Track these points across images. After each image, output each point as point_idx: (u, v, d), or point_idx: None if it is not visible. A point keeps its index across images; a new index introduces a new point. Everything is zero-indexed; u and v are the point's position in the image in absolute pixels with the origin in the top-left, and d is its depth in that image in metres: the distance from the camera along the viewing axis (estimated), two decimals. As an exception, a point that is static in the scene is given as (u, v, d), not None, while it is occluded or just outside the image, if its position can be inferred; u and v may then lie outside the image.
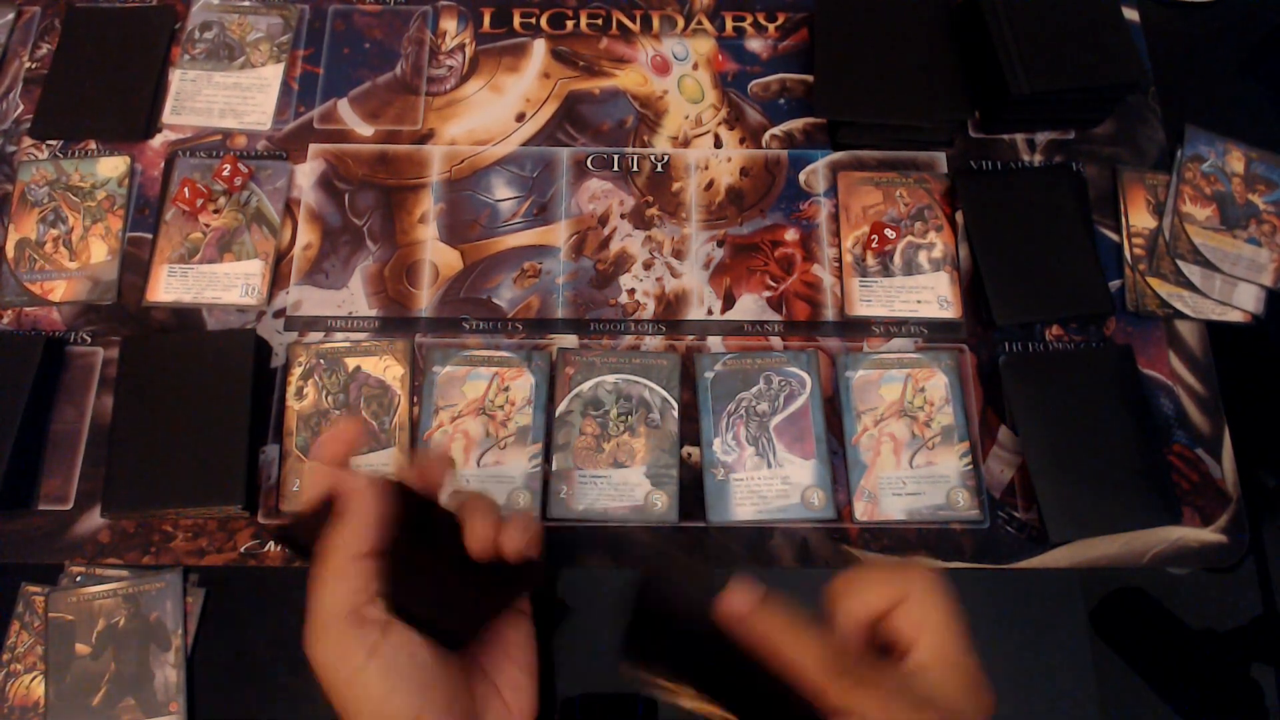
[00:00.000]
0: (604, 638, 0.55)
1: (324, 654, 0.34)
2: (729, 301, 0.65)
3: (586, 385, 0.62)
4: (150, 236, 0.67)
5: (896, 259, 0.66)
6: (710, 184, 0.69)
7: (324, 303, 0.65)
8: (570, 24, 0.75)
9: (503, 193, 0.69)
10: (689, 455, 0.61)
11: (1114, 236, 0.68)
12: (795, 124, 0.72)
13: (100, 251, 0.66)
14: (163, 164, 0.69)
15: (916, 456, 0.60)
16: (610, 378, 0.62)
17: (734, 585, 0.33)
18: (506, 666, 0.39)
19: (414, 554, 0.38)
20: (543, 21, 0.75)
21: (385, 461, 0.60)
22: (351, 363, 0.63)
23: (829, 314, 0.65)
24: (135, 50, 0.72)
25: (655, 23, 0.75)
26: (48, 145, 0.70)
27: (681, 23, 0.75)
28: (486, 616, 0.39)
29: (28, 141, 0.70)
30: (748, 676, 0.31)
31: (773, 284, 0.66)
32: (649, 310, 0.65)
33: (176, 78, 0.72)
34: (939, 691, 0.30)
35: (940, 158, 0.70)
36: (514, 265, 0.67)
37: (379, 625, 0.34)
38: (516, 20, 0.75)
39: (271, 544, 0.58)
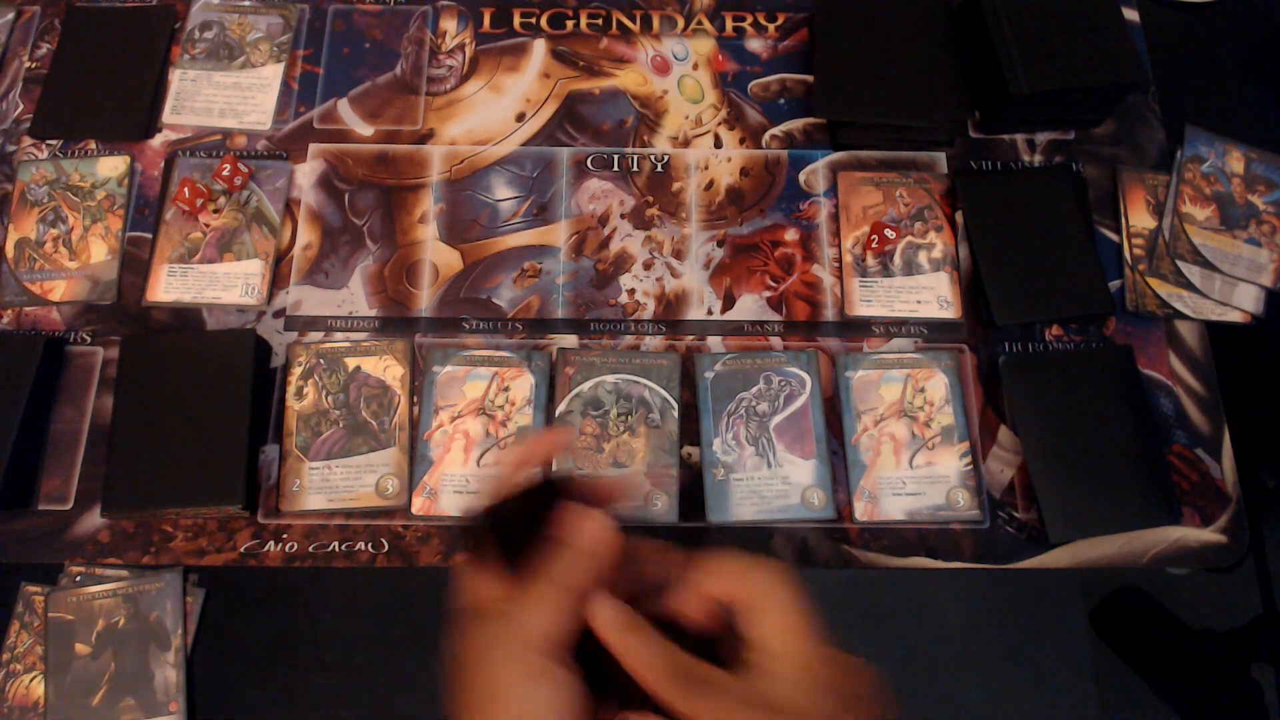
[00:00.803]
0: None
1: (504, 674, 0.31)
2: (729, 301, 0.65)
3: (586, 385, 0.62)
4: (150, 236, 0.67)
5: (896, 259, 0.66)
6: (710, 184, 0.69)
7: (324, 303, 0.65)
8: (570, 24, 0.75)
9: (503, 193, 0.69)
10: (689, 455, 0.61)
11: (1114, 236, 0.68)
12: (795, 124, 0.72)
13: (100, 251, 0.66)
14: (163, 164, 0.69)
15: (916, 456, 0.60)
16: (610, 378, 0.62)
17: (596, 604, 0.33)
18: None
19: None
20: (543, 21, 0.75)
21: (385, 461, 0.60)
22: (351, 363, 0.63)
23: (829, 314, 0.65)
24: (135, 50, 0.72)
25: (655, 23, 0.75)
26: (48, 145, 0.70)
27: (681, 23, 0.75)
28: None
29: (28, 141, 0.70)
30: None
31: (773, 284, 0.66)
32: (649, 310, 0.65)
33: (176, 78, 0.72)
34: (791, 701, 0.29)
35: (940, 158, 0.70)
36: (514, 265, 0.67)
37: (566, 666, 0.31)
38: (516, 20, 0.75)
39: (271, 544, 0.58)
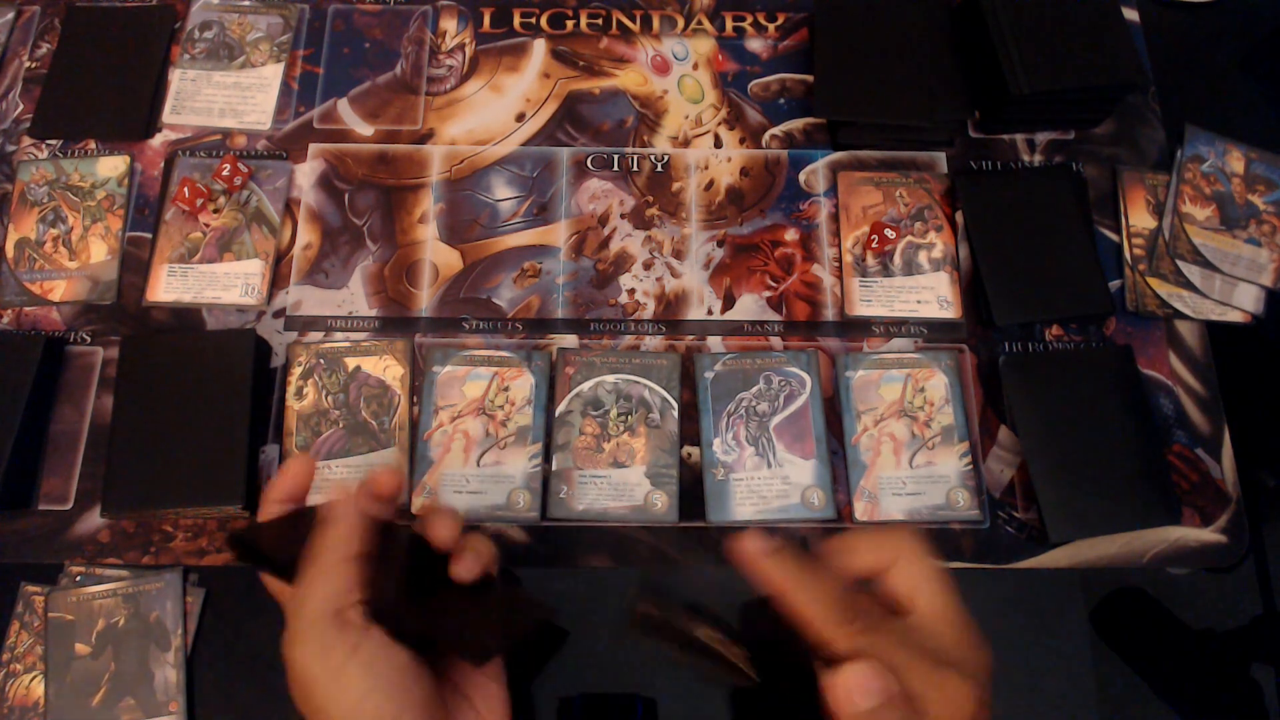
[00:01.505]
0: (604, 638, 0.55)
1: (304, 653, 0.34)
2: (729, 301, 0.65)
3: (586, 385, 0.62)
4: (150, 236, 0.67)
5: (896, 259, 0.66)
6: (710, 184, 0.69)
7: (324, 303, 0.65)
8: (570, 24, 0.75)
9: (503, 193, 0.69)
10: (689, 455, 0.61)
11: (1114, 236, 0.68)
12: (795, 124, 0.72)
13: (100, 251, 0.66)
14: (163, 164, 0.69)
15: (916, 456, 0.60)
16: (610, 378, 0.62)
17: (748, 533, 0.34)
18: (477, 677, 0.39)
19: (379, 568, 0.38)
20: (543, 21, 0.75)
21: (385, 461, 0.60)
22: (351, 363, 0.63)
23: (829, 314, 0.65)
24: (135, 50, 0.72)
25: (655, 23, 0.75)
26: (47, 145, 0.70)
27: (681, 23, 0.75)
28: (450, 630, 0.39)
29: (28, 141, 0.70)
30: (759, 623, 0.32)
31: (773, 284, 0.66)
32: (649, 310, 0.65)
33: (176, 77, 0.72)
34: (938, 645, 0.31)
35: (940, 158, 0.70)
36: (514, 265, 0.67)
37: (360, 627, 0.35)
38: (516, 20, 0.75)
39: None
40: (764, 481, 0.59)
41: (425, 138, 0.70)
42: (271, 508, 0.42)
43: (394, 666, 0.34)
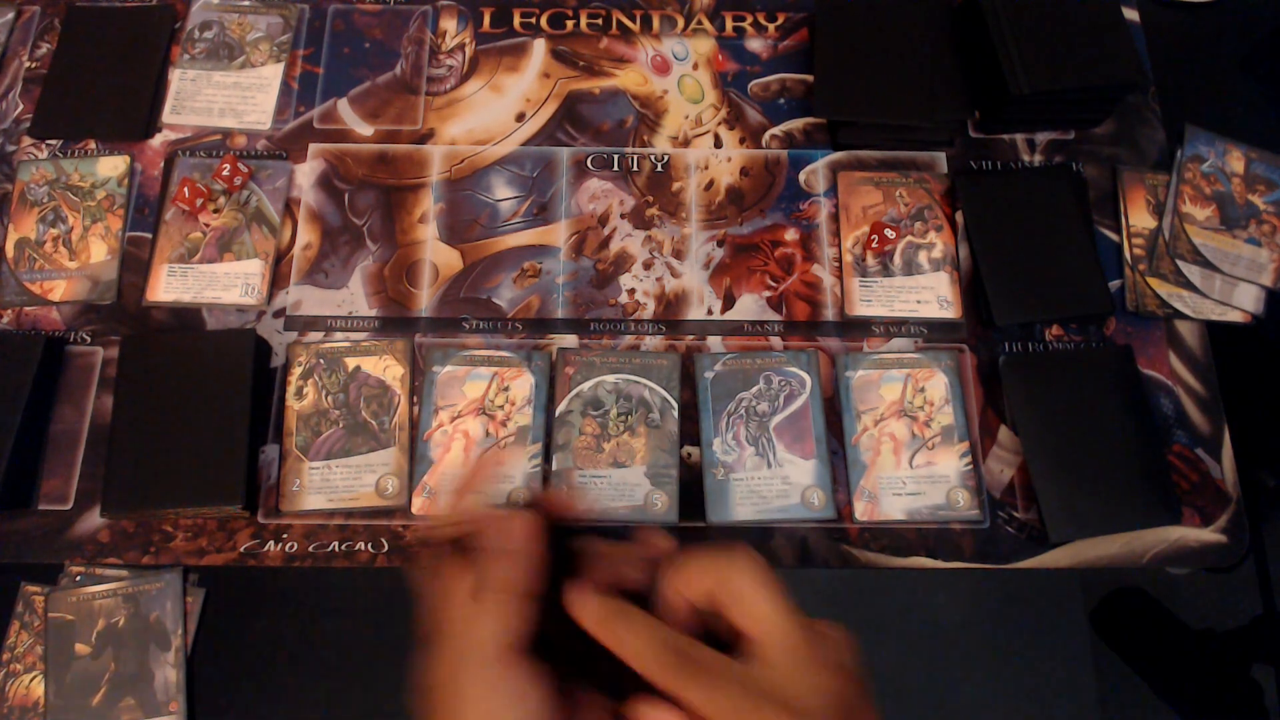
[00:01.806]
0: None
1: (467, 689, 0.32)
2: (729, 301, 0.66)
3: (586, 385, 0.62)
4: (150, 236, 0.67)
5: (896, 259, 0.66)
6: (710, 184, 0.69)
7: (324, 303, 0.65)
8: (570, 24, 0.75)
9: (503, 193, 0.69)
10: (689, 455, 0.61)
11: (1114, 236, 0.68)
12: (795, 124, 0.72)
13: (100, 251, 0.66)
14: (163, 164, 0.69)
15: (916, 456, 0.60)
16: (610, 378, 0.62)
17: (578, 593, 0.33)
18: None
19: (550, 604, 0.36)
20: (543, 21, 0.75)
21: (385, 461, 0.60)
22: (351, 362, 0.63)
23: (829, 314, 0.65)
24: (135, 50, 0.72)
25: (655, 23, 0.75)
26: (48, 145, 0.70)
27: (681, 23, 0.75)
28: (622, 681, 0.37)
29: (28, 141, 0.70)
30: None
31: (773, 284, 0.66)
32: (649, 310, 0.65)
33: (176, 77, 0.72)
34: (790, 685, 0.29)
35: (940, 158, 0.70)
36: (514, 265, 0.67)
37: (523, 668, 0.32)
38: (516, 20, 0.75)
39: (271, 544, 0.58)
40: (764, 481, 0.59)
41: (425, 138, 0.70)
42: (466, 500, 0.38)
43: (544, 708, 0.32)
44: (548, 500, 0.38)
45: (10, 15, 0.74)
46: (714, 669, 0.29)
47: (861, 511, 0.59)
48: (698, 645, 0.30)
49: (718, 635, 0.32)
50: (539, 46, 0.74)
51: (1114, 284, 0.66)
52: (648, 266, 0.67)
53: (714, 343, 0.64)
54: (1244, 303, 0.65)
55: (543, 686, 0.32)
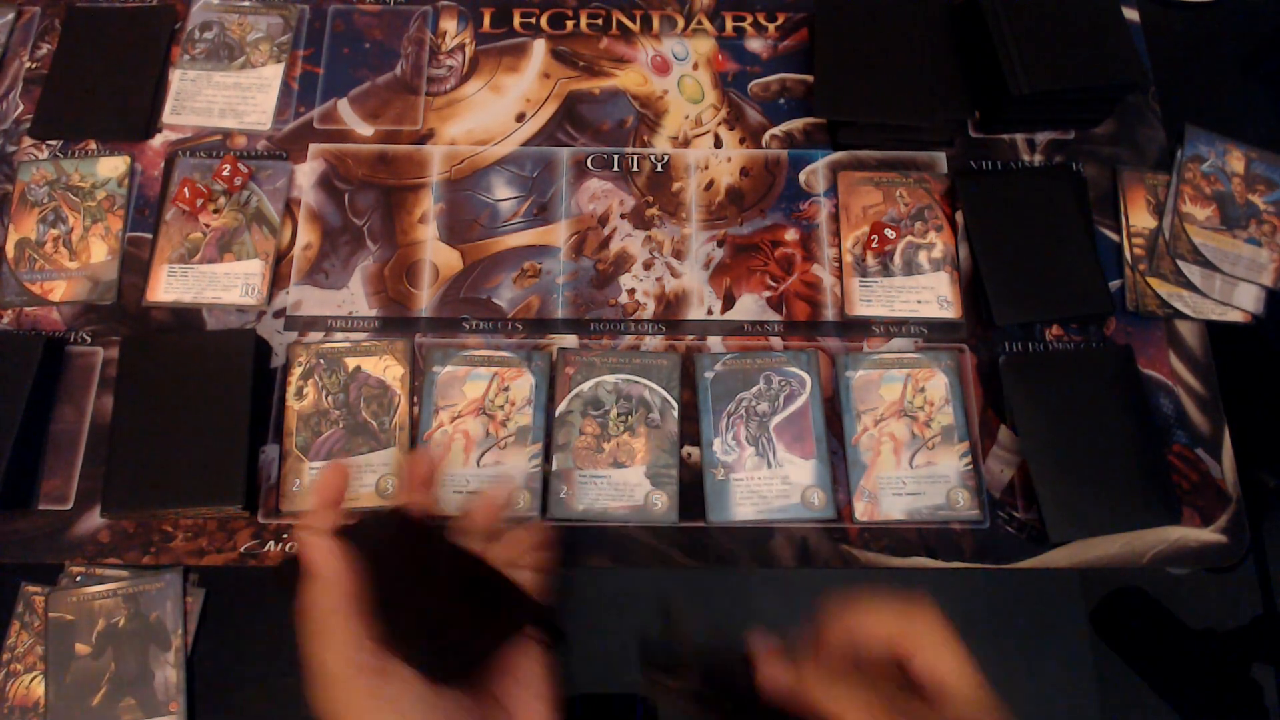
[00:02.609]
0: (604, 638, 0.55)
1: (333, 710, 0.34)
2: (729, 301, 0.65)
3: (586, 385, 0.62)
4: (150, 236, 0.67)
5: (896, 259, 0.66)
6: (710, 184, 0.69)
7: (324, 303, 0.65)
8: (570, 24, 0.75)
9: (503, 193, 0.69)
10: (689, 455, 0.61)
11: (1114, 236, 0.68)
12: (795, 124, 0.72)
13: (100, 251, 0.66)
14: (163, 164, 0.69)
15: (916, 456, 0.60)
16: (610, 378, 0.62)
17: (758, 651, 0.33)
18: (521, 695, 0.39)
19: (408, 586, 0.38)
20: (543, 21, 0.75)
21: (385, 461, 0.60)
22: (351, 363, 0.63)
23: (829, 314, 0.65)
24: (135, 50, 0.72)
25: (655, 23, 0.75)
26: (48, 145, 0.70)
27: (681, 23, 0.75)
28: (487, 644, 0.39)
29: (28, 141, 0.70)
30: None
31: (773, 284, 0.66)
32: (649, 310, 0.65)
33: (176, 78, 0.72)
34: None
35: (940, 158, 0.70)
36: (514, 265, 0.67)
37: (376, 671, 0.34)
38: (516, 20, 0.75)
39: (271, 544, 0.58)
40: (764, 481, 0.59)
41: (425, 138, 0.70)
42: (317, 517, 0.41)
43: (422, 704, 0.34)
44: (403, 475, 0.40)
45: (10, 15, 0.74)
46: (919, 713, 0.30)
47: (861, 511, 0.59)
48: (907, 698, 0.31)
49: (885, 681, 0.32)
50: (539, 47, 0.74)
51: (1114, 284, 0.66)
52: (648, 266, 0.67)
53: (714, 343, 0.64)
54: (1244, 303, 0.65)
55: (417, 681, 0.35)
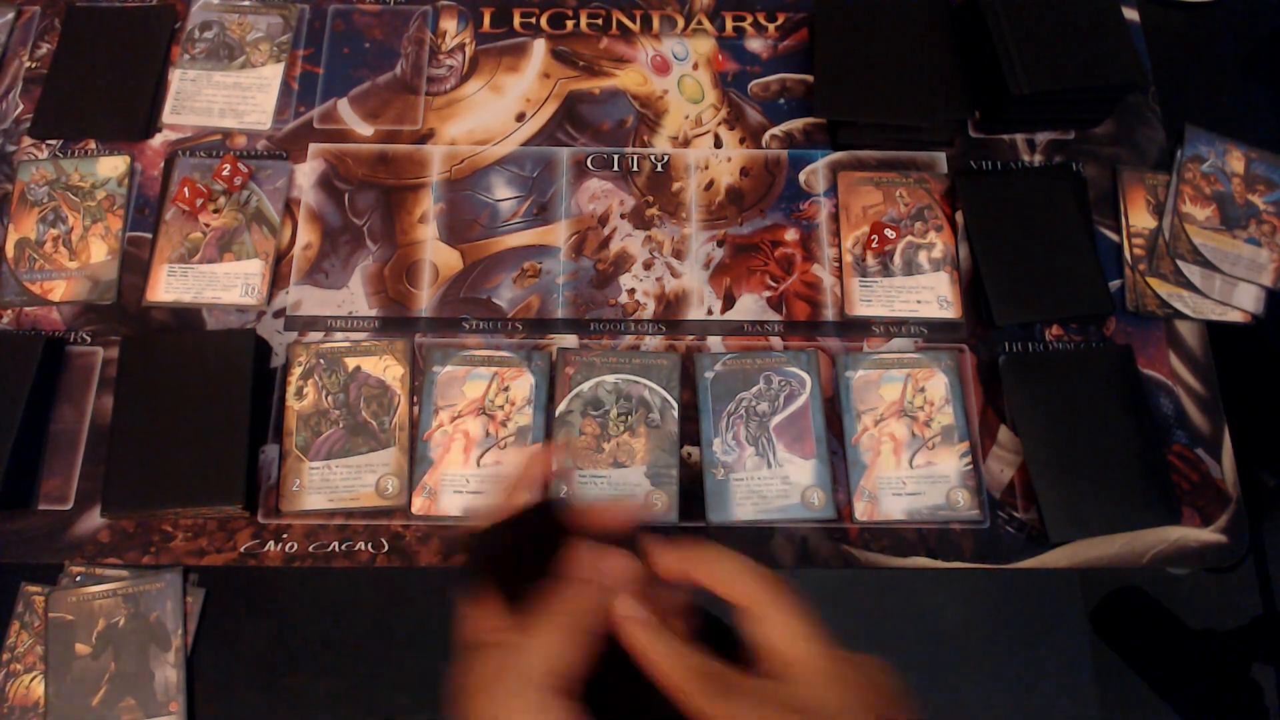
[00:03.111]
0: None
1: (504, 712, 0.31)
2: (729, 301, 0.65)
3: (586, 385, 0.62)
4: (150, 236, 0.67)
5: (896, 259, 0.66)
6: (710, 184, 0.69)
7: (324, 303, 0.65)
8: (570, 24, 0.75)
9: (503, 193, 0.69)
10: (689, 455, 0.61)
11: (1114, 236, 0.68)
12: (795, 124, 0.72)
13: (100, 251, 0.66)
14: (163, 164, 0.69)
15: (916, 456, 0.60)
16: (610, 378, 0.62)
17: (617, 602, 0.32)
18: None
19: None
20: (543, 21, 0.75)
21: (385, 461, 0.60)
22: (351, 363, 0.63)
23: (829, 314, 0.65)
24: (135, 50, 0.72)
25: (655, 23, 0.75)
26: (48, 145, 0.70)
27: (681, 23, 0.75)
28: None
29: (28, 141, 0.70)
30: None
31: (773, 284, 0.66)
32: (649, 310, 0.65)
33: (176, 78, 0.72)
34: (814, 701, 0.29)
35: (940, 158, 0.70)
36: (514, 265, 0.67)
37: (567, 705, 0.31)
38: (516, 20, 0.75)
39: (271, 544, 0.58)
40: (764, 481, 0.59)
41: (425, 138, 0.70)
42: (514, 498, 0.37)
43: None
44: (596, 520, 0.37)
45: (10, 15, 0.74)
46: (746, 688, 0.29)
47: (861, 511, 0.59)
48: (724, 665, 0.30)
49: (736, 645, 0.32)
50: (539, 46, 0.74)
51: (1114, 284, 0.66)
52: (648, 266, 0.67)
53: (714, 343, 0.64)
54: (1244, 303, 0.65)
55: None
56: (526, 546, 0.35)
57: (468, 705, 0.31)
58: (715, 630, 0.33)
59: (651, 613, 0.32)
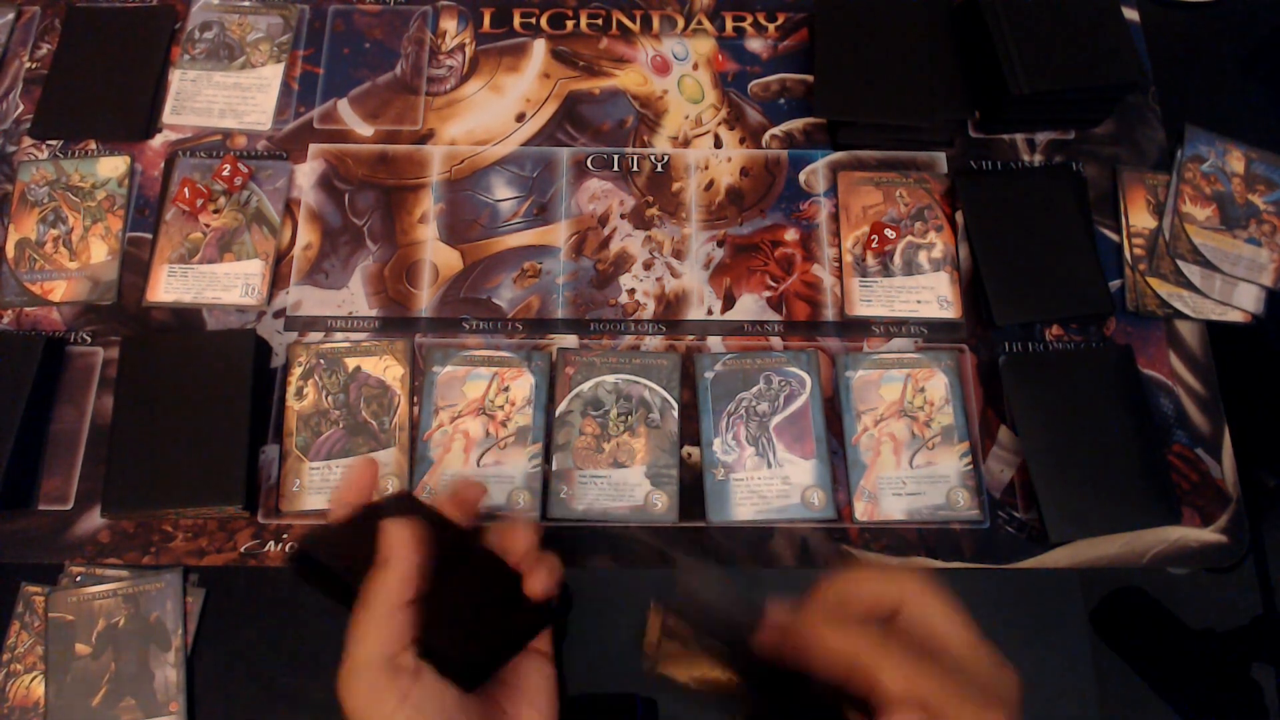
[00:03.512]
0: (603, 638, 0.55)
1: (357, 699, 0.34)
2: (729, 301, 0.65)
3: (586, 385, 0.62)
4: (150, 236, 0.67)
5: (896, 259, 0.66)
6: (710, 184, 0.69)
7: (324, 303, 0.65)
8: (570, 24, 0.75)
9: (503, 193, 0.69)
10: (689, 455, 0.61)
11: (1114, 236, 0.68)
12: (795, 124, 0.72)
13: (100, 251, 0.66)
14: (163, 164, 0.69)
15: (916, 456, 0.60)
16: (610, 378, 0.62)
17: (770, 610, 0.33)
18: (525, 709, 0.39)
19: (442, 591, 0.37)
20: (543, 21, 0.75)
21: (385, 461, 0.60)
22: (351, 363, 0.63)
23: (829, 314, 0.65)
24: (135, 50, 0.72)
25: (655, 23, 0.75)
26: (48, 145, 0.70)
27: (681, 23, 0.75)
28: (508, 654, 0.39)
29: (28, 141, 0.70)
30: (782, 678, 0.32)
31: (773, 284, 0.66)
32: (649, 310, 0.65)
33: (176, 78, 0.72)
34: (973, 681, 0.31)
35: (940, 158, 0.70)
36: (514, 265, 0.67)
37: (411, 672, 0.35)
38: (516, 20, 0.75)
39: (271, 544, 0.58)
40: (764, 481, 0.59)
41: (425, 138, 0.70)
42: (339, 511, 0.41)
43: (443, 710, 0.35)
44: (450, 497, 0.40)
45: (10, 15, 0.74)
46: (919, 659, 0.30)
47: (861, 511, 0.59)
48: (894, 640, 0.31)
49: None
50: (539, 47, 0.74)
51: (1114, 284, 0.66)
52: (648, 266, 0.67)
53: (714, 343, 0.64)
54: (1244, 303, 0.65)
55: (447, 687, 0.35)
56: (355, 546, 0.38)
57: (342, 707, 0.35)
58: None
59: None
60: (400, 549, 0.37)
